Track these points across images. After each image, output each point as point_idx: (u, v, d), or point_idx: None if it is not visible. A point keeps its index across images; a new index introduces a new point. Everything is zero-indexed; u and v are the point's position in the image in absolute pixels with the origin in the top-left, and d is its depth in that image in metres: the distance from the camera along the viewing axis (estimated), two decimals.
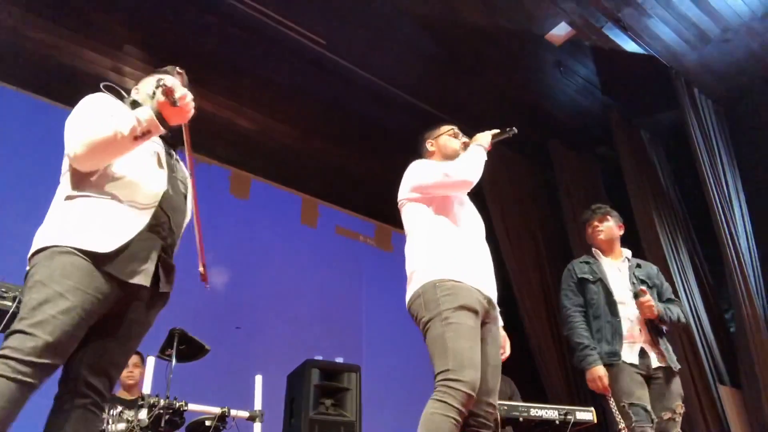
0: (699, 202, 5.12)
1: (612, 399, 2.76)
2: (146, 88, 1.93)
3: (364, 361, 4.46)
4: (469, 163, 2.25)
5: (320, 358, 3.99)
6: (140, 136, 1.65)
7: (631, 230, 5.43)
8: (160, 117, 1.66)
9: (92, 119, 1.69)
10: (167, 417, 2.72)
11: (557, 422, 3.72)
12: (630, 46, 5.08)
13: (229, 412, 2.96)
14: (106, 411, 2.71)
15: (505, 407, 3.69)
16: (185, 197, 1.95)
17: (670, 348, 2.91)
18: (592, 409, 3.77)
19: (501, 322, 2.25)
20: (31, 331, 1.48)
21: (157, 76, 1.87)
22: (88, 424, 1.63)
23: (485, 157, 2.32)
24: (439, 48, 5.14)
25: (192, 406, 2.85)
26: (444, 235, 2.15)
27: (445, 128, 2.52)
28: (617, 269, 3.05)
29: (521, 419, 3.70)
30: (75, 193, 1.69)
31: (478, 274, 2.10)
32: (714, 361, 4.91)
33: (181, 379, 3.05)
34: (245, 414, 3.03)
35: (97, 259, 1.60)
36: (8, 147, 4.43)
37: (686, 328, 4.90)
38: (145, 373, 3.11)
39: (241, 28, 4.79)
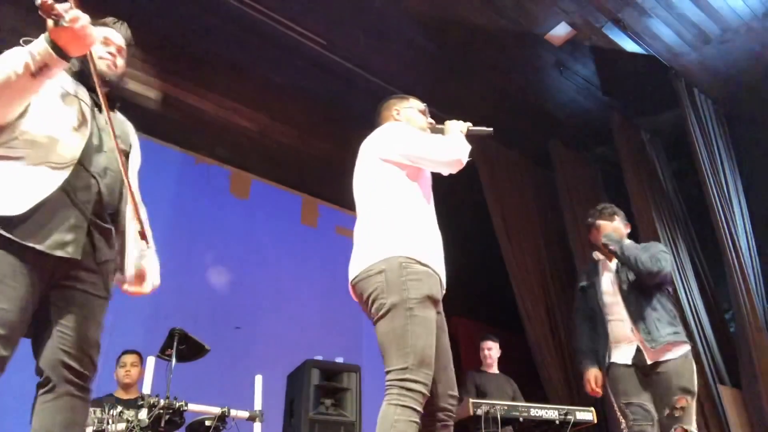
0: (699, 202, 5.12)
1: (614, 400, 2.79)
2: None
3: (364, 361, 4.45)
4: (464, 144, 2.12)
5: (320, 358, 3.99)
6: (37, 71, 1.45)
7: (632, 230, 5.45)
8: (56, 47, 1.46)
9: None
10: (167, 417, 2.71)
11: (557, 422, 3.72)
12: (630, 46, 5.08)
13: (229, 412, 2.95)
14: (106, 411, 2.71)
15: (505, 407, 3.69)
16: (126, 156, 1.77)
17: (660, 329, 2.73)
18: (592, 409, 3.77)
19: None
20: None
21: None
22: (75, 411, 1.57)
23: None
24: (439, 48, 5.14)
25: (192, 406, 2.85)
26: (416, 210, 1.99)
27: (413, 101, 2.34)
28: (609, 269, 3.05)
29: (521, 419, 3.70)
30: None
31: (440, 259, 1.98)
32: (714, 361, 4.91)
33: (181, 379, 3.05)
34: (245, 414, 3.03)
35: (9, 227, 1.46)
36: None
37: (687, 329, 4.90)
38: (144, 372, 3.11)
39: (241, 28, 4.79)
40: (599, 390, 2.91)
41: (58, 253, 1.52)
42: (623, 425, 2.69)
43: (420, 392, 1.73)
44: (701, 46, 5.12)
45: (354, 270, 1.99)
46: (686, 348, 2.76)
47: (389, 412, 1.70)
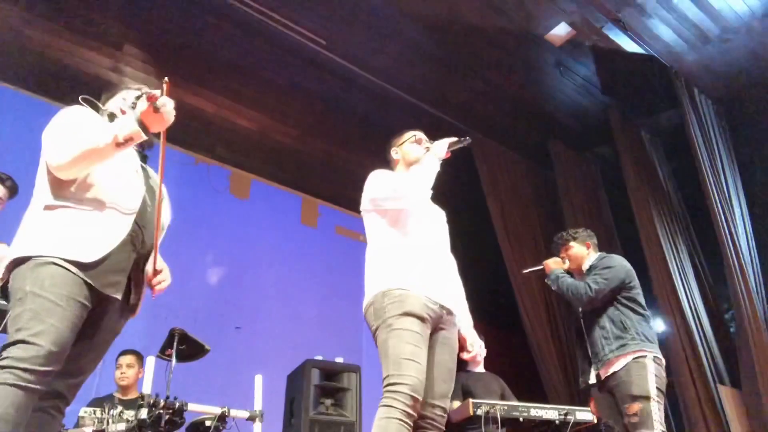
0: (699, 202, 5.12)
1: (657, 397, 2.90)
2: (119, 101, 1.98)
3: (364, 361, 4.45)
4: (418, 176, 2.25)
5: (320, 358, 3.99)
6: (122, 143, 1.68)
7: (631, 230, 5.46)
8: (141, 124, 1.70)
9: (74, 130, 1.73)
10: (167, 417, 2.71)
11: (557, 422, 3.71)
12: (630, 46, 5.08)
13: (229, 412, 2.95)
14: (106, 411, 2.71)
15: (505, 407, 3.69)
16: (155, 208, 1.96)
17: (604, 347, 2.92)
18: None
19: (469, 321, 2.31)
20: (33, 340, 1.51)
21: (129, 91, 1.95)
22: (44, 427, 1.65)
23: (437, 168, 2.29)
24: (439, 48, 5.14)
25: (192, 406, 2.85)
26: (394, 247, 2.19)
27: (407, 135, 2.49)
28: None
29: (521, 419, 3.70)
30: (55, 203, 1.72)
31: (429, 282, 2.12)
32: (714, 361, 4.92)
33: (181, 379, 3.05)
34: (245, 414, 3.03)
35: (79, 268, 1.64)
36: (8, 147, 4.42)
37: (687, 329, 4.90)
38: (142, 373, 3.11)
39: (241, 28, 4.79)
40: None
41: (109, 292, 1.71)
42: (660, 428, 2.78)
43: (403, 393, 1.86)
44: (701, 46, 5.12)
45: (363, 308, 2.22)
46: (632, 356, 2.82)
47: (377, 414, 1.88)
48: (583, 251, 3.24)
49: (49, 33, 4.67)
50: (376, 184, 2.30)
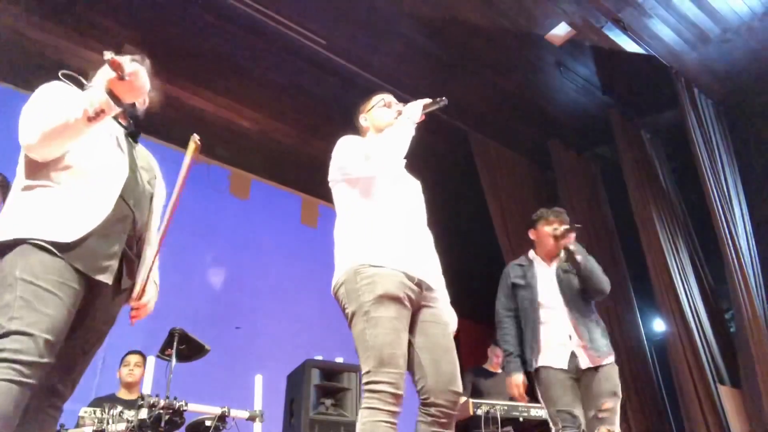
0: (699, 202, 5.12)
1: (544, 405, 2.80)
2: (106, 73, 1.83)
3: None
4: (390, 141, 2.08)
5: (320, 358, 3.99)
6: (93, 117, 1.57)
7: (632, 230, 5.46)
8: (112, 95, 1.58)
9: (45, 107, 1.62)
10: (167, 417, 2.71)
11: None
12: (630, 46, 5.08)
13: (229, 412, 2.95)
14: (106, 411, 2.71)
15: (505, 407, 3.69)
16: (149, 188, 1.87)
17: (599, 339, 2.79)
18: None
19: (447, 298, 2.11)
20: (29, 330, 1.43)
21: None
22: (44, 428, 1.59)
23: (412, 132, 2.13)
24: (439, 48, 5.13)
25: (192, 406, 2.85)
26: (366, 218, 2.03)
27: (376, 99, 2.33)
28: (549, 272, 2.99)
29: (521, 419, 3.70)
30: (32, 182, 1.63)
31: (404, 255, 1.95)
32: (714, 361, 4.91)
33: (181, 379, 3.05)
34: (245, 414, 3.03)
35: (62, 250, 1.55)
36: (8, 147, 4.43)
37: (687, 329, 4.90)
38: (145, 372, 3.11)
39: (241, 27, 4.79)
40: (526, 396, 2.94)
41: (99, 276, 1.61)
42: (553, 429, 2.71)
43: (385, 392, 1.75)
44: (701, 46, 5.12)
45: (331, 285, 2.08)
46: (614, 357, 2.82)
47: (360, 417, 1.77)
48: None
49: (49, 33, 4.67)
50: (346, 150, 2.13)
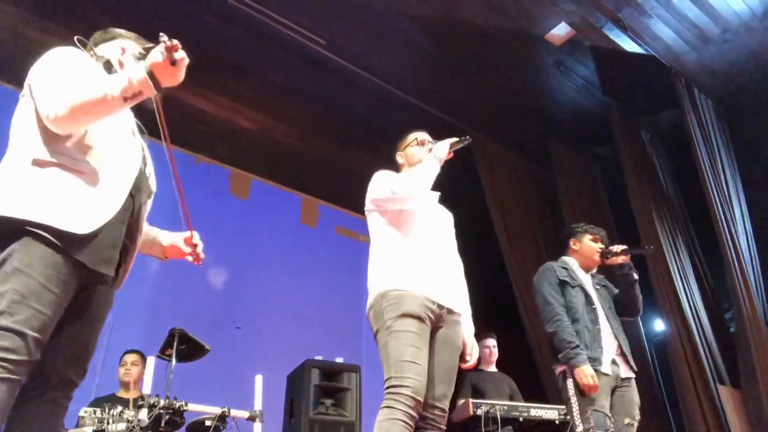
0: (699, 202, 5.12)
1: (576, 402, 2.79)
2: (115, 50, 1.79)
3: (364, 361, 4.45)
4: (417, 178, 2.23)
5: (320, 358, 3.99)
6: (130, 97, 1.49)
7: (632, 230, 5.46)
8: (152, 77, 1.50)
9: (72, 77, 1.53)
10: (167, 417, 2.72)
11: (557, 422, 3.72)
12: (630, 46, 5.08)
13: (229, 412, 2.95)
14: (106, 411, 2.71)
15: (505, 407, 3.69)
16: (150, 182, 1.84)
17: (630, 352, 2.93)
18: None
19: (471, 329, 2.30)
20: (20, 329, 1.38)
21: (126, 41, 1.80)
22: (55, 418, 1.57)
23: (437, 169, 2.28)
24: (439, 48, 5.14)
25: (192, 406, 2.85)
26: (394, 247, 2.21)
27: (410, 138, 2.50)
28: (589, 280, 3.12)
29: (521, 419, 3.70)
30: (47, 158, 1.52)
31: (428, 281, 2.12)
32: (714, 361, 4.91)
33: (181, 379, 3.05)
34: (245, 414, 3.03)
35: (70, 241, 1.48)
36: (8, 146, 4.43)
37: (687, 329, 4.90)
38: (145, 372, 3.11)
39: (241, 28, 4.79)
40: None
41: (102, 269, 1.57)
42: (578, 429, 2.71)
43: (404, 395, 1.88)
44: (701, 46, 5.12)
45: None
46: None
47: (378, 415, 1.90)
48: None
49: (49, 33, 4.67)
50: (377, 184, 2.33)
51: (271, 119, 5.75)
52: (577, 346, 2.86)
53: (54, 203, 1.47)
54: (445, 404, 2.07)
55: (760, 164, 5.46)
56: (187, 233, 1.92)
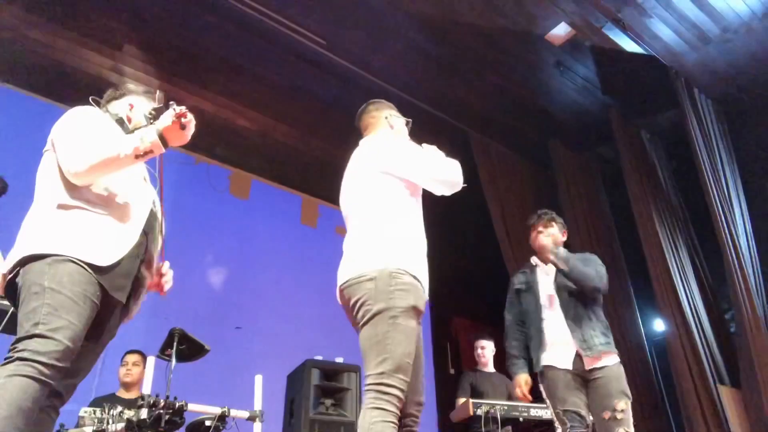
0: (699, 202, 5.12)
1: (550, 404, 2.82)
2: (124, 106, 2.01)
3: None
4: (459, 168, 2.17)
5: (320, 358, 3.99)
6: (141, 155, 1.71)
7: (632, 230, 5.46)
8: (161, 138, 1.73)
9: (91, 137, 1.75)
10: (167, 417, 2.71)
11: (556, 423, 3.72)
12: (630, 46, 5.08)
13: (229, 412, 2.95)
14: (106, 411, 2.71)
15: (505, 407, 3.69)
16: (159, 217, 2.01)
17: (593, 338, 2.78)
18: None
19: None
20: (52, 335, 1.53)
21: (135, 97, 2.02)
22: (42, 425, 1.66)
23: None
24: (439, 48, 5.14)
25: (192, 406, 2.85)
26: (411, 223, 2.06)
27: (397, 112, 2.39)
28: (546, 274, 3.02)
29: (521, 419, 3.70)
30: (70, 202, 1.73)
31: (425, 270, 2.03)
32: (714, 361, 4.91)
33: (181, 379, 3.05)
34: (245, 414, 3.03)
35: (94, 270, 1.67)
36: (8, 147, 4.43)
37: (687, 329, 4.90)
38: (145, 372, 3.11)
39: (241, 27, 4.79)
40: (529, 396, 2.97)
41: (117, 295, 1.75)
42: (558, 430, 2.72)
43: (395, 395, 1.80)
44: (701, 46, 5.12)
45: (344, 275, 2.01)
46: (616, 356, 2.81)
47: (367, 416, 1.77)
48: (559, 237, 3.06)
49: (49, 33, 4.67)
50: (420, 158, 2.12)
51: (271, 119, 5.75)
52: (513, 356, 3.00)
53: (78, 239, 1.68)
54: (423, 397, 2.02)
55: (759, 164, 5.46)
56: (164, 263, 2.03)
